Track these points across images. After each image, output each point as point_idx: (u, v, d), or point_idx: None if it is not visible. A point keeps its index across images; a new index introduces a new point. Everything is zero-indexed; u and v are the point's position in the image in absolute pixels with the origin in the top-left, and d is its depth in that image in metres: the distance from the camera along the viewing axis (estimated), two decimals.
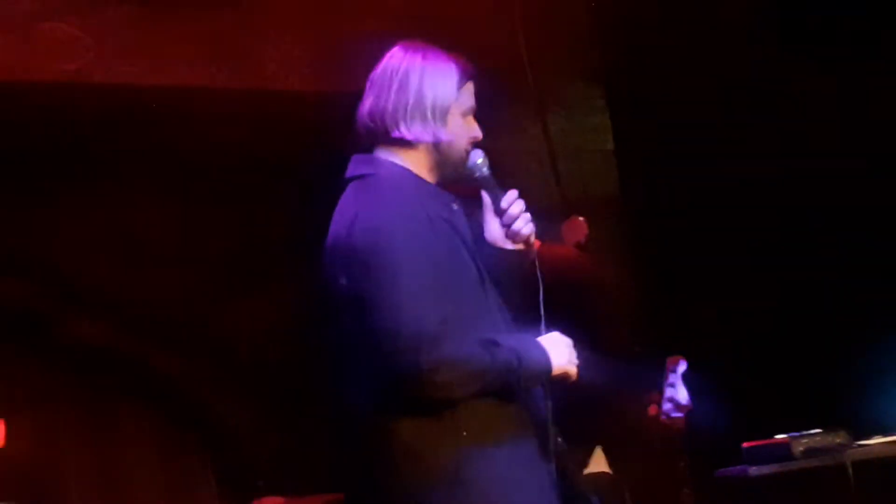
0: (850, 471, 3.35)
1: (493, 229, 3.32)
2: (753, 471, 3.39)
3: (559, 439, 3.21)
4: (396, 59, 3.33)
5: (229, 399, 5.91)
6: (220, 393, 5.89)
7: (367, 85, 3.30)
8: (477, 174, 3.28)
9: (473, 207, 3.36)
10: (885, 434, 3.63)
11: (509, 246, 3.27)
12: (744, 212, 5.49)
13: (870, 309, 5.20)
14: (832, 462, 3.37)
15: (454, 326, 3.04)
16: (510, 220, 3.26)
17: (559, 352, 3.15)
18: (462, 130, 3.25)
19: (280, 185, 6.12)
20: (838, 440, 3.40)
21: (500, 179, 3.31)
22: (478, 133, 3.29)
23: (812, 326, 4.99)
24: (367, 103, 3.31)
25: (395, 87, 3.29)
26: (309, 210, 5.94)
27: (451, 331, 3.03)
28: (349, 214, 3.20)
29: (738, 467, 3.45)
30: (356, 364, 3.13)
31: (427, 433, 3.11)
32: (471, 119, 3.29)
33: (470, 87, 3.31)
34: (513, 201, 3.27)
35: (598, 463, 4.28)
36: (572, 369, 3.15)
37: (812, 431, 3.47)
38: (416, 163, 3.25)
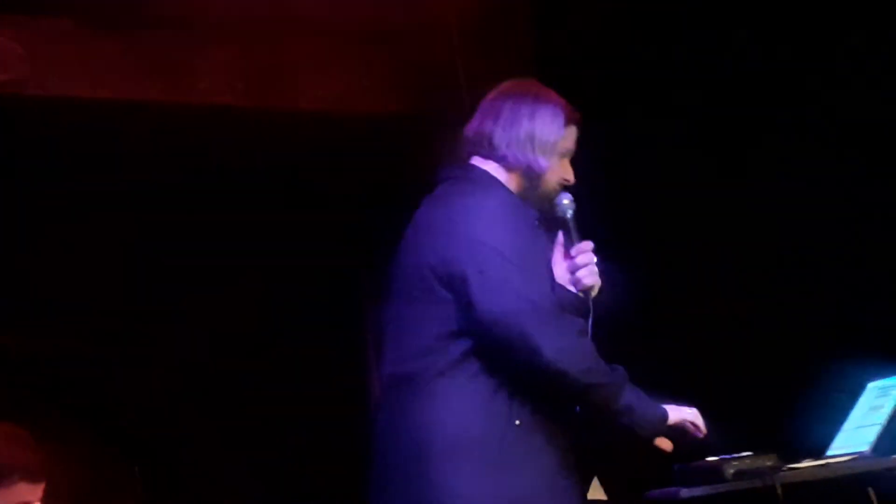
0: (780, 493, 3.35)
1: (560, 268, 3.44)
2: (684, 492, 3.39)
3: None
4: (510, 90, 3.53)
5: (154, 408, 5.87)
6: (146, 403, 5.84)
7: (478, 109, 3.52)
8: (560, 214, 3.45)
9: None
10: (814, 458, 3.65)
11: (570, 288, 3.38)
12: (672, 239, 5.53)
13: (799, 332, 5.25)
14: (762, 484, 3.37)
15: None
16: (576, 268, 3.41)
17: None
18: (558, 168, 3.40)
19: (215, 195, 6.11)
20: (769, 463, 3.41)
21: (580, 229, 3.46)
22: (570, 176, 3.48)
23: (743, 350, 5.02)
24: (473, 124, 3.51)
25: (505, 113, 3.47)
26: (242, 219, 5.98)
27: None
28: (446, 201, 3.40)
29: (670, 489, 3.45)
30: (418, 336, 3.31)
31: (480, 409, 3.23)
32: (567, 162, 3.46)
33: (573, 132, 3.47)
34: (584, 251, 3.36)
35: (596, 492, 4.31)
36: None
37: (743, 454, 3.48)
38: (508, 182, 3.35)
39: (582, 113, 3.51)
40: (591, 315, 3.40)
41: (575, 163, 3.51)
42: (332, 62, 6.17)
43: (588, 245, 3.43)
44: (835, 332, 5.08)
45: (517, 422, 3.27)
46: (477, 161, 3.48)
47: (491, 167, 3.46)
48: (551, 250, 3.46)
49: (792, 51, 5.39)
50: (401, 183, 6.52)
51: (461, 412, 3.27)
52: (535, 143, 3.44)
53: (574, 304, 3.38)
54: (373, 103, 6.34)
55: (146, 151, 5.92)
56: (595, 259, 3.44)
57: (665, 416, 3.30)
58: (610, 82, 6.04)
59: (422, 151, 6.52)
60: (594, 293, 3.42)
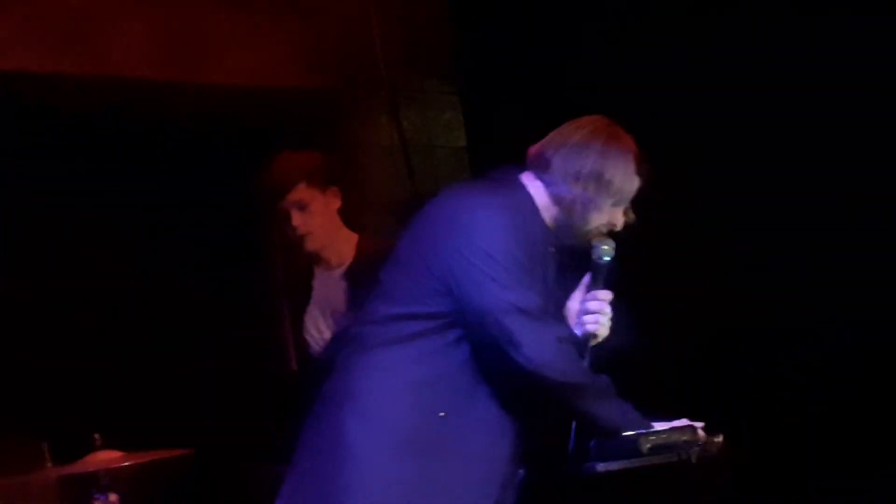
0: (696, 467, 3.36)
1: (573, 306, 3.48)
2: (601, 467, 3.38)
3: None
4: (587, 122, 3.51)
5: (60, 353, 5.81)
6: (47, 346, 5.78)
7: (553, 132, 3.53)
8: (595, 258, 3.49)
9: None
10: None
11: (575, 326, 3.48)
12: None
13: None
14: (678, 459, 3.38)
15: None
16: (586, 312, 3.43)
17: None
18: (607, 213, 3.37)
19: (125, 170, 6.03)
20: (685, 438, 3.41)
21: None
22: (619, 224, 3.47)
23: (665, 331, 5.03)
24: (538, 145, 3.54)
25: (573, 144, 3.40)
26: (156, 194, 5.92)
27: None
28: (467, 195, 3.50)
29: (587, 463, 3.44)
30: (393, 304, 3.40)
31: (409, 391, 3.27)
32: (619, 210, 3.42)
33: (638, 182, 3.37)
34: (598, 299, 3.38)
35: None
36: None
37: (659, 429, 3.48)
38: (546, 205, 3.36)
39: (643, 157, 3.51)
40: (587, 360, 3.44)
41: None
42: (247, 35, 6.11)
43: (606, 295, 3.51)
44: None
45: (441, 413, 3.30)
46: (525, 177, 3.49)
47: (536, 188, 3.47)
48: (566, 283, 3.52)
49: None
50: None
51: (390, 389, 3.32)
52: (598, 182, 3.43)
53: (573, 342, 3.43)
54: (288, 77, 6.29)
55: (54, 124, 5.83)
56: (607, 310, 3.49)
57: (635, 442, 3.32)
58: (526, 61, 6.05)
59: (337, 126, 6.49)
60: (594, 341, 3.47)
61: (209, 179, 6.24)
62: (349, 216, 6.38)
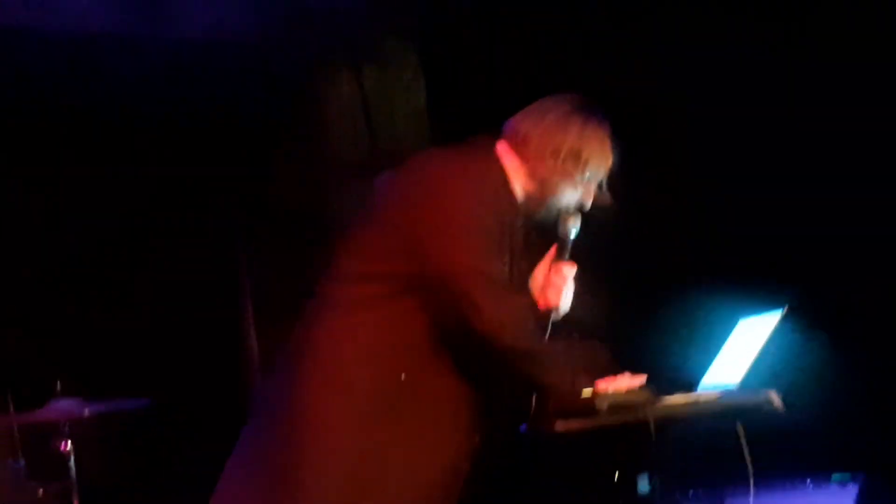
0: (653, 427, 3.42)
1: (538, 277, 3.54)
2: (559, 425, 3.44)
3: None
4: (564, 100, 3.52)
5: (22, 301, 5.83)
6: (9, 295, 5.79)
7: (530, 107, 3.52)
8: (561, 232, 3.53)
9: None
10: (684, 391, 3.72)
11: (538, 298, 3.52)
12: None
13: (672, 267, 5.34)
14: (635, 419, 3.44)
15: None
16: (549, 285, 3.51)
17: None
18: (579, 189, 3.40)
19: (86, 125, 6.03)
20: (642, 398, 3.47)
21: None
22: (588, 203, 3.51)
23: (617, 285, 5.09)
24: (515, 119, 3.55)
25: (551, 120, 3.40)
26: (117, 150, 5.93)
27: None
28: (442, 160, 3.51)
29: (545, 422, 3.49)
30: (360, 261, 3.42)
31: (372, 353, 3.36)
32: (592, 189, 3.48)
33: (610, 162, 3.43)
34: (562, 272, 3.49)
35: None
36: None
37: (617, 389, 3.54)
38: (519, 178, 3.39)
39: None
40: (547, 332, 3.49)
41: None
42: None
43: (570, 269, 3.53)
44: (708, 269, 5.18)
45: (402, 377, 3.34)
46: (501, 147, 3.51)
47: (510, 160, 3.49)
48: (532, 256, 3.55)
49: None
50: (276, 116, 6.51)
51: (351, 354, 3.35)
52: (576, 160, 3.46)
53: (534, 313, 3.48)
54: (249, 34, 6.28)
55: (14, 79, 5.81)
56: (570, 284, 3.54)
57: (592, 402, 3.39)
58: (487, 21, 6.06)
59: (297, 84, 6.50)
60: (555, 315, 3.52)
61: (168, 133, 6.25)
62: (310, 174, 6.43)
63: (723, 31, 5.29)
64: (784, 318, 3.68)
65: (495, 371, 3.46)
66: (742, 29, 5.24)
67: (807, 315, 3.95)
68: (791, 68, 5.15)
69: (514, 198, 3.50)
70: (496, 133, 3.59)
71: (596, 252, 3.65)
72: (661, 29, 5.45)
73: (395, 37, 6.59)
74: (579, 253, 3.61)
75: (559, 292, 3.55)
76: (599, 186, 3.57)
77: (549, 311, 3.55)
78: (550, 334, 3.53)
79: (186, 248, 6.38)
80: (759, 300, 3.86)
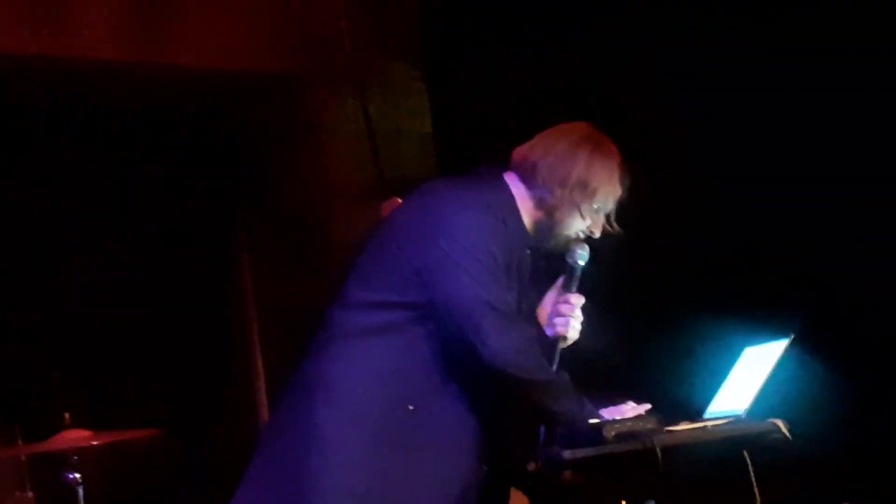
0: (660, 455, 3.43)
1: (547, 306, 3.57)
2: (567, 454, 3.44)
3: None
4: (573, 129, 3.55)
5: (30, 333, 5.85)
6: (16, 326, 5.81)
7: (538, 136, 3.55)
8: (570, 261, 3.55)
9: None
10: (691, 420, 3.73)
11: (546, 327, 3.53)
12: None
13: (678, 295, 5.33)
14: (642, 447, 3.44)
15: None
16: (557, 314, 3.51)
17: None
18: (587, 218, 3.42)
19: (95, 152, 6.04)
20: (649, 426, 3.48)
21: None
22: (598, 231, 3.53)
23: (623, 313, 5.08)
24: (523, 149, 3.58)
25: (560, 150, 3.44)
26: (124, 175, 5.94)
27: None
28: (449, 189, 3.53)
29: (552, 450, 3.50)
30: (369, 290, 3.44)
31: (381, 382, 3.33)
32: (601, 219, 3.48)
33: (619, 191, 3.43)
34: (570, 303, 3.52)
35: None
36: None
37: (624, 417, 3.55)
38: (528, 208, 3.42)
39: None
40: (555, 362, 3.50)
41: None
42: (215, 17, 6.12)
43: (578, 299, 3.56)
44: (713, 297, 5.18)
45: (410, 407, 3.36)
46: (509, 178, 3.53)
47: (519, 191, 3.51)
48: (540, 285, 3.57)
49: None
50: (281, 141, 6.53)
51: (361, 380, 3.37)
52: (584, 190, 3.47)
53: (544, 340, 3.49)
54: (255, 60, 6.30)
55: (22, 105, 5.84)
56: (578, 314, 3.55)
57: (600, 430, 3.39)
58: (494, 47, 6.07)
59: (303, 110, 6.52)
60: (563, 343, 3.54)
61: (176, 162, 6.28)
62: (315, 201, 6.45)
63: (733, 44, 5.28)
64: (790, 346, 3.68)
65: (503, 400, 3.47)
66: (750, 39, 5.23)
67: (813, 343, 3.94)
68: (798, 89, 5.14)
69: (522, 227, 3.52)
70: (504, 162, 3.61)
71: (602, 280, 3.67)
72: (668, 53, 5.45)
73: (401, 62, 6.61)
74: (586, 281, 3.63)
75: (567, 322, 3.56)
76: (608, 216, 3.58)
77: (556, 341, 3.57)
78: (558, 364, 3.55)
79: (190, 277, 6.40)
80: (765, 328, 3.86)
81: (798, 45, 5.09)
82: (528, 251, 3.54)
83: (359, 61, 6.40)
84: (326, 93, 6.49)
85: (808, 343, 3.79)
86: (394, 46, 6.59)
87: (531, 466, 3.57)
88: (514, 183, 3.53)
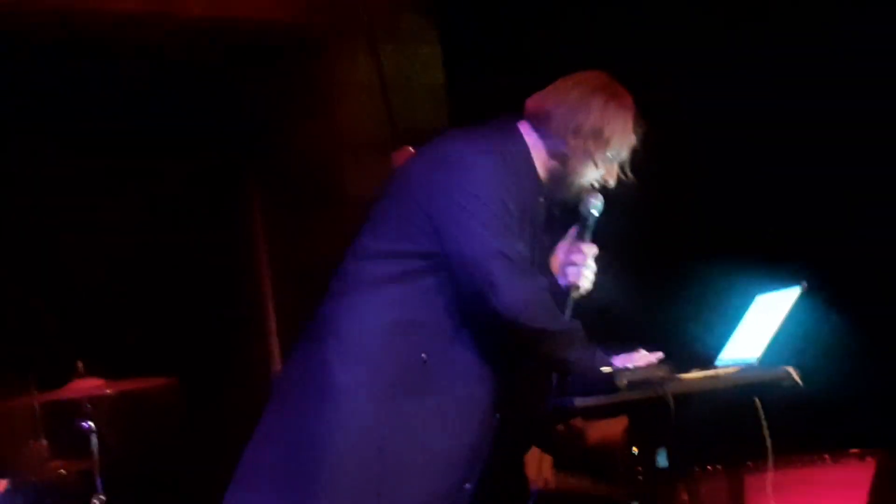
0: (672, 403, 3.43)
1: (560, 255, 3.57)
2: (579, 401, 3.45)
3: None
4: (587, 78, 3.51)
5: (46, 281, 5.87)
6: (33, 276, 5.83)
7: (552, 85, 3.51)
8: (584, 211, 3.53)
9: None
10: (703, 367, 3.74)
11: (559, 276, 3.52)
12: None
13: (690, 244, 5.33)
14: (654, 394, 3.45)
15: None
16: (570, 264, 3.51)
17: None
18: (602, 168, 3.41)
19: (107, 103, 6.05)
20: (660, 373, 3.48)
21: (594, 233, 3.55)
22: (612, 181, 3.51)
23: (634, 261, 5.09)
24: (537, 98, 3.53)
25: (574, 98, 3.43)
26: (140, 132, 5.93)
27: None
28: (465, 139, 3.50)
29: (565, 398, 3.51)
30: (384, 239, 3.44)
31: (393, 333, 3.37)
32: (615, 168, 3.47)
33: (633, 140, 3.47)
34: (583, 252, 3.50)
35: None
36: None
37: (636, 365, 3.55)
38: (542, 157, 3.40)
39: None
40: (567, 311, 3.51)
41: None
42: None
43: (591, 248, 3.55)
44: (725, 245, 5.18)
45: (423, 356, 3.37)
46: (523, 127, 3.52)
47: (533, 140, 3.50)
48: (554, 234, 3.57)
49: None
50: (293, 93, 6.53)
51: (374, 331, 3.38)
52: (597, 138, 3.46)
53: (556, 288, 3.49)
54: (268, 10, 6.30)
55: (37, 55, 5.84)
56: (591, 264, 3.55)
57: (612, 379, 3.40)
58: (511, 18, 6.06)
59: (316, 61, 6.52)
60: (576, 293, 3.54)
61: (188, 115, 6.28)
62: (327, 152, 6.45)
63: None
64: (802, 295, 3.68)
65: (516, 350, 3.48)
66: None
67: (825, 290, 3.94)
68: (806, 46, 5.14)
69: (536, 177, 3.51)
70: (518, 111, 3.60)
71: (615, 230, 3.67)
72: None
73: (413, 13, 6.60)
74: (600, 231, 3.62)
75: (580, 271, 3.56)
76: (622, 165, 3.57)
77: (569, 290, 3.57)
78: (571, 313, 3.55)
79: (204, 227, 6.42)
80: (777, 276, 3.86)
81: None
82: (542, 200, 3.53)
83: (371, 13, 6.39)
84: (338, 44, 6.48)
85: (819, 291, 3.79)
86: None
87: (560, 428, 3.59)
88: (527, 132, 3.52)
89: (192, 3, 6.05)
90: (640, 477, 3.74)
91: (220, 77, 6.30)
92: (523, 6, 5.98)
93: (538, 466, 4.75)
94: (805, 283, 3.69)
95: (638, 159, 3.60)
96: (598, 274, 3.61)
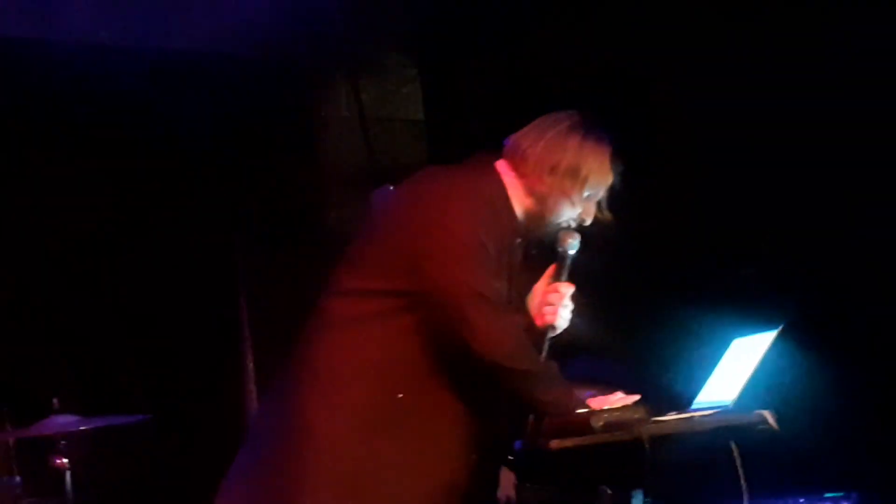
0: (647, 445, 3.43)
1: (536, 295, 3.54)
2: (554, 443, 3.45)
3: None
4: (564, 117, 3.53)
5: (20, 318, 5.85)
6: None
7: (530, 125, 3.54)
8: (561, 250, 3.54)
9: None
10: (679, 410, 3.73)
11: (535, 316, 3.55)
12: None
13: (667, 288, 5.33)
14: (630, 437, 3.44)
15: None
16: (547, 303, 3.52)
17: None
18: (579, 206, 3.42)
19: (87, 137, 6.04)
20: (636, 416, 3.48)
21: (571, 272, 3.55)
22: (590, 217, 3.52)
23: (612, 304, 5.09)
24: (516, 136, 3.57)
25: (550, 137, 3.43)
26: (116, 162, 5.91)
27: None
28: (440, 179, 3.53)
29: (540, 440, 3.50)
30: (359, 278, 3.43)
31: (370, 369, 3.38)
32: (591, 204, 3.46)
33: (610, 178, 3.45)
34: (559, 292, 3.52)
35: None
36: None
37: (612, 407, 3.55)
38: (519, 196, 3.41)
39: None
40: (543, 351, 3.50)
41: None
42: (211, 3, 6.11)
43: (567, 288, 3.55)
44: (702, 288, 5.18)
45: (399, 395, 3.36)
46: (501, 166, 3.52)
47: (510, 178, 3.51)
48: (531, 273, 3.57)
49: None
50: (274, 128, 6.52)
51: (351, 369, 3.36)
52: (574, 177, 3.46)
53: (530, 331, 3.49)
54: (248, 47, 6.30)
55: (15, 90, 5.84)
56: (567, 303, 3.54)
57: (587, 419, 3.39)
58: (486, 35, 6.07)
59: (296, 97, 6.52)
60: (552, 332, 3.54)
61: (167, 148, 6.27)
62: (307, 188, 6.44)
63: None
64: (779, 338, 3.69)
65: (492, 389, 3.47)
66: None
67: (802, 334, 3.95)
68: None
69: (513, 216, 3.51)
70: (496, 150, 3.60)
71: (591, 270, 3.67)
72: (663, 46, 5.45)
73: (393, 50, 6.61)
74: (576, 271, 3.62)
75: (556, 311, 3.56)
76: (599, 204, 3.57)
77: (545, 329, 3.56)
78: (547, 353, 3.55)
79: (181, 262, 6.39)
80: (754, 319, 3.87)
81: (792, 36, 5.09)
82: (519, 240, 3.53)
83: (352, 49, 6.40)
84: (320, 80, 6.48)
85: (796, 335, 3.80)
86: (387, 34, 6.59)
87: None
88: (505, 171, 3.53)
89: (173, 37, 6.05)
90: None
91: (200, 111, 6.29)
92: (504, 44, 5.99)
93: (500, 483, 4.76)
94: (782, 326, 3.70)
95: (619, 201, 3.61)
96: (574, 314, 3.62)
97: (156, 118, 6.23)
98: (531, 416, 3.50)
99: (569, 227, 3.57)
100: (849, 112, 4.88)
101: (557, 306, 3.56)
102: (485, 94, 6.02)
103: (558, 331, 3.59)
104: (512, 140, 3.57)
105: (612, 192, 3.60)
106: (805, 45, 5.00)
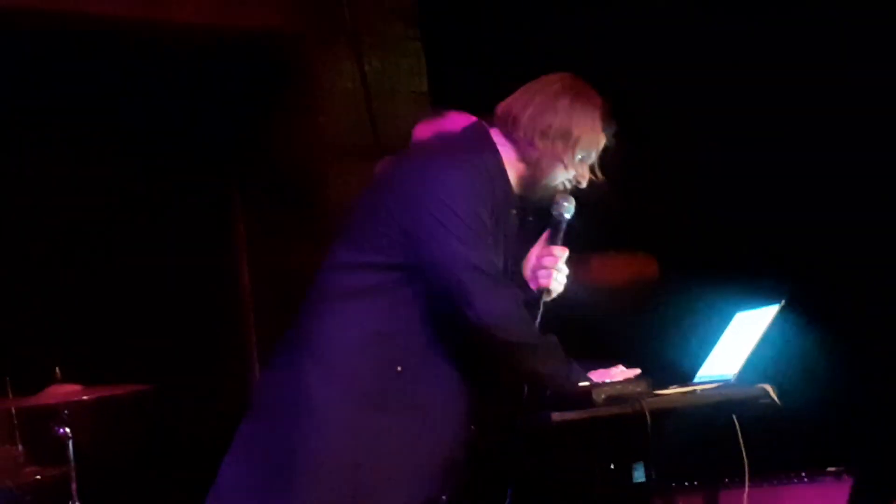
0: (649, 418, 3.43)
1: (531, 259, 3.54)
2: (556, 416, 3.45)
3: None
4: (553, 80, 3.50)
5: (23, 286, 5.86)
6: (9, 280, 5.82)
7: (520, 90, 3.49)
8: (555, 213, 3.52)
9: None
10: (681, 384, 3.74)
11: (530, 280, 3.53)
12: None
13: (670, 262, 5.34)
14: (631, 410, 3.45)
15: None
16: (541, 267, 3.49)
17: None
18: (572, 169, 3.39)
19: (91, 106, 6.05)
20: (638, 389, 3.48)
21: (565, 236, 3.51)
22: (585, 179, 3.48)
23: None
24: (506, 102, 3.52)
25: (540, 101, 3.41)
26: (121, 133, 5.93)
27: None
28: (433, 153, 3.53)
29: (541, 413, 3.51)
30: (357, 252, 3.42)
31: (368, 345, 3.36)
32: (585, 165, 3.40)
33: (604, 138, 3.36)
34: (553, 255, 3.49)
35: None
36: None
37: (613, 380, 3.55)
38: (513, 162, 3.40)
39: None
40: (538, 314, 3.49)
41: None
42: None
43: (561, 251, 3.53)
44: (705, 261, 5.19)
45: (398, 368, 3.36)
46: (494, 134, 3.51)
47: (504, 146, 3.49)
48: (527, 241, 3.55)
49: None
50: (277, 100, 6.52)
51: (350, 342, 3.37)
52: (566, 139, 3.45)
53: (525, 299, 3.48)
54: (252, 17, 6.29)
55: (20, 59, 5.83)
56: (562, 267, 3.52)
57: (589, 393, 3.40)
58: (489, 8, 6.06)
59: (300, 68, 6.51)
60: (547, 297, 3.52)
61: (171, 119, 6.27)
62: (310, 161, 6.44)
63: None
64: (781, 312, 3.69)
65: (490, 362, 3.47)
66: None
67: (803, 309, 3.95)
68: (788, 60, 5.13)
69: (508, 185, 3.50)
70: (490, 118, 3.58)
71: (592, 238, 3.66)
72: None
73: (397, 21, 6.60)
74: (573, 235, 3.60)
75: (550, 274, 3.54)
76: (592, 166, 3.55)
77: (539, 294, 3.54)
78: (541, 322, 3.52)
79: (183, 232, 6.40)
80: (757, 293, 3.87)
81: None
82: (514, 211, 3.52)
83: (356, 21, 6.39)
84: (323, 52, 6.48)
85: (798, 309, 3.80)
86: (391, 6, 6.58)
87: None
88: (499, 139, 3.51)
89: (176, 8, 6.04)
90: (618, 492, 3.73)
91: (203, 82, 6.29)
92: (508, 14, 5.98)
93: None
94: (784, 300, 3.70)
95: (616, 169, 3.59)
96: (570, 277, 3.60)
97: (160, 88, 6.23)
98: (527, 389, 3.50)
99: (563, 191, 3.54)
100: (850, 95, 4.89)
101: (552, 269, 3.53)
102: (489, 66, 6.00)
103: (553, 295, 3.56)
104: (502, 106, 3.55)
105: (607, 153, 3.57)
106: (807, 26, 5.02)
